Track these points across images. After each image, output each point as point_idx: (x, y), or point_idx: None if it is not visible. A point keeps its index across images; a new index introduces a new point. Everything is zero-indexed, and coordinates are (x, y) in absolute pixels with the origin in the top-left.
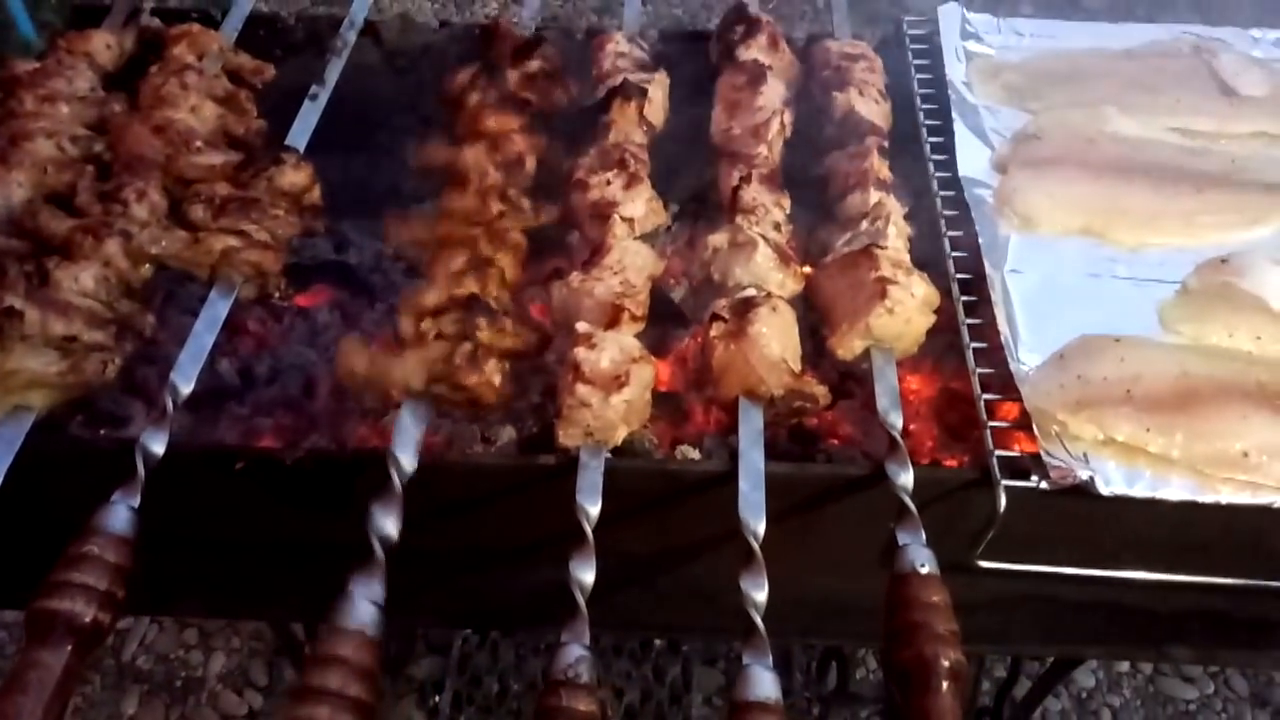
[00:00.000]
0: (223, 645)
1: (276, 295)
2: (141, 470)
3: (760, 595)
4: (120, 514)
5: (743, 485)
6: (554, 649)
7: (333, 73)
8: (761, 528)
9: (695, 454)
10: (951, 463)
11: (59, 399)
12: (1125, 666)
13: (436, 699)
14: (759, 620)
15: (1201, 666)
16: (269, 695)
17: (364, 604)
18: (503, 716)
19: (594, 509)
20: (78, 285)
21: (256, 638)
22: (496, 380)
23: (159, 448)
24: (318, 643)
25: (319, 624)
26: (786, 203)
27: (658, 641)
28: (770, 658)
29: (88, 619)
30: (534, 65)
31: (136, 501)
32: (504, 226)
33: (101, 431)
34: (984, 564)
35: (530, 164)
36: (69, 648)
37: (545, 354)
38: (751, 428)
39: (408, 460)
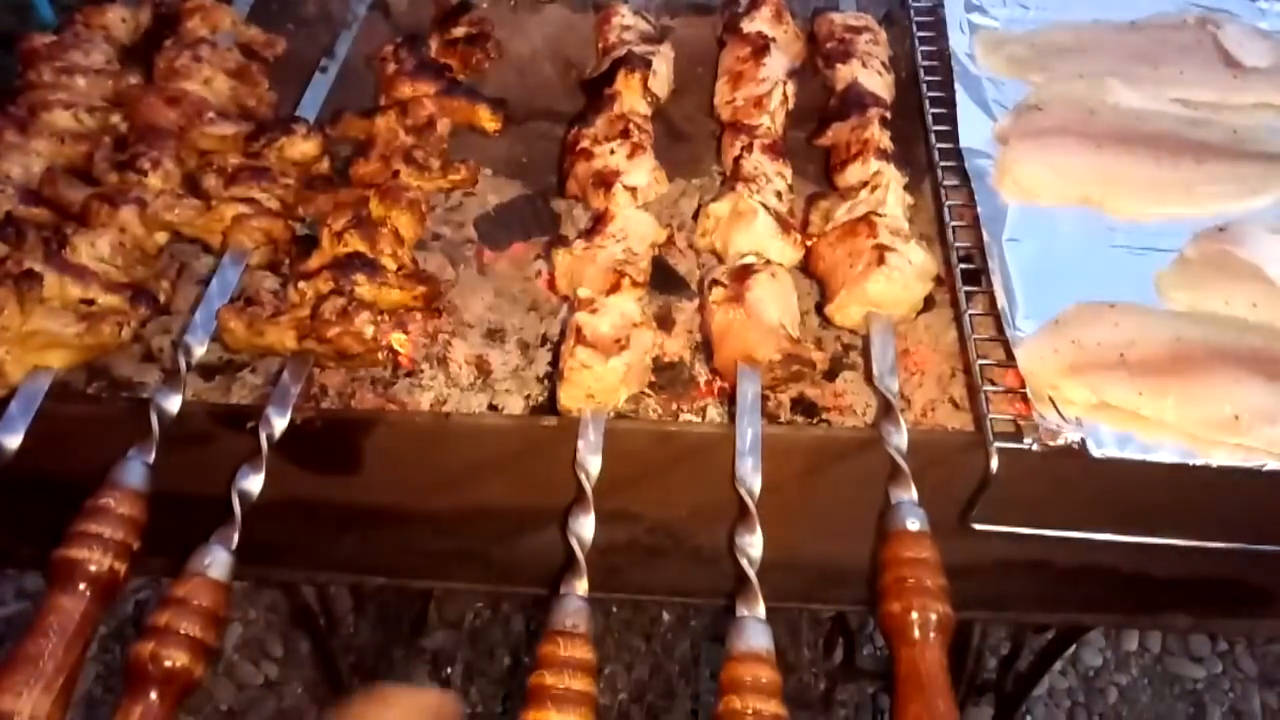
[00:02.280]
0: (239, 617)
1: (286, 262)
2: (156, 427)
3: (755, 551)
4: (135, 469)
5: (739, 445)
6: (552, 601)
7: (342, 46)
8: (757, 486)
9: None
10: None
11: (76, 360)
12: (1133, 645)
13: (449, 670)
14: (752, 574)
15: (1210, 646)
16: (285, 665)
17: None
18: (514, 689)
19: (594, 468)
20: (94, 251)
21: (272, 609)
22: (368, 332)
23: (173, 406)
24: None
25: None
26: (788, 172)
27: (667, 617)
28: (763, 610)
29: (105, 567)
30: (458, 31)
31: (151, 457)
32: (399, 185)
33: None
34: (978, 526)
35: (443, 127)
36: (87, 594)
37: (437, 302)
38: (748, 391)
39: (279, 419)
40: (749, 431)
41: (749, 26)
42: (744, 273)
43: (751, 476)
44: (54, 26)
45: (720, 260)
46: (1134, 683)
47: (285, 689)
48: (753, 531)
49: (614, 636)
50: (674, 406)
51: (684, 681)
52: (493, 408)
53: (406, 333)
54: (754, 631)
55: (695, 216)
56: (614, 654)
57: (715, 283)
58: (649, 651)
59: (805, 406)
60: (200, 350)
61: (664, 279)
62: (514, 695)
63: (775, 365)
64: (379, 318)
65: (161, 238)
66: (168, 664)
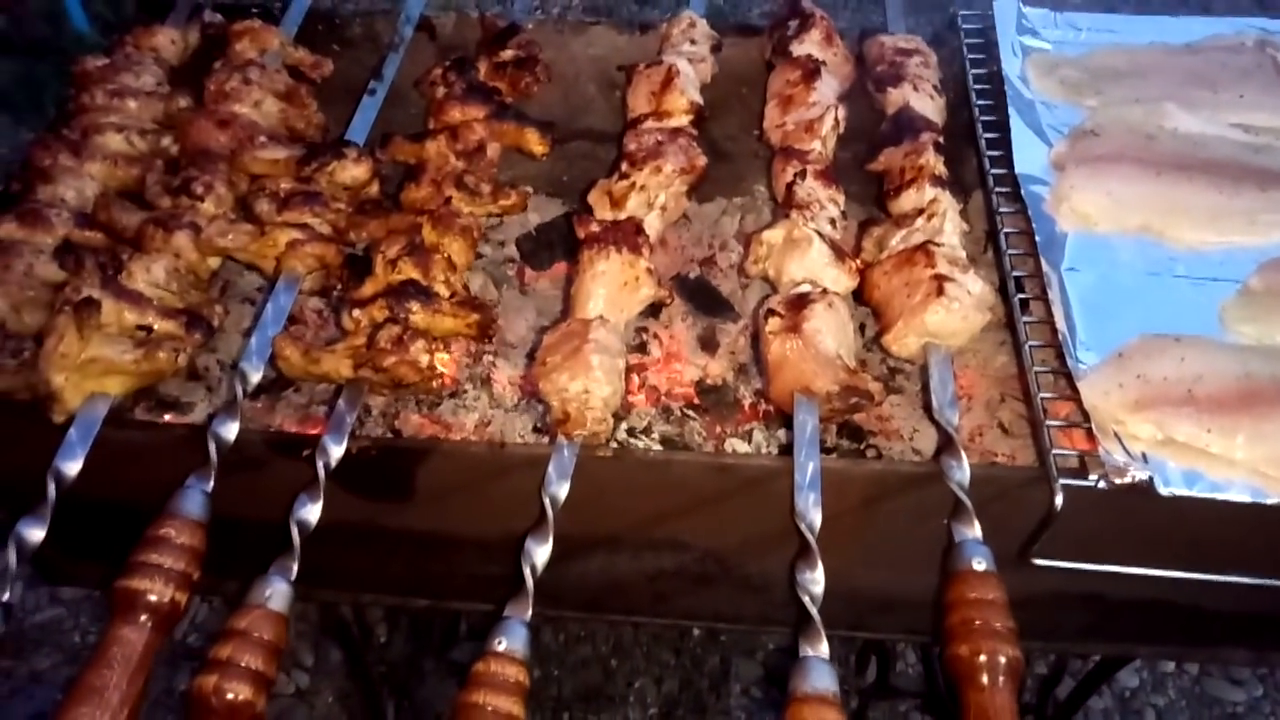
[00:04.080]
0: None
1: (338, 287)
2: (214, 456)
3: (817, 588)
4: (194, 498)
5: (798, 479)
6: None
7: (390, 68)
8: (818, 521)
9: (745, 447)
10: (1003, 458)
11: (133, 386)
12: (1171, 666)
13: None
14: (816, 613)
15: (1251, 669)
16: (316, 675)
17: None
18: (544, 701)
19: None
20: (150, 276)
21: (302, 619)
22: (423, 360)
23: (230, 434)
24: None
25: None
26: (841, 198)
27: (696, 631)
28: (827, 649)
29: (166, 598)
30: (507, 54)
31: (209, 486)
32: (451, 211)
33: (166, 417)
34: (1039, 562)
35: (493, 151)
36: (149, 625)
37: (490, 331)
38: (807, 423)
39: (335, 448)
40: (809, 465)
41: (799, 49)
42: (800, 302)
43: (812, 511)
44: (89, 35)
45: (774, 288)
46: (1171, 704)
47: (316, 699)
48: (814, 568)
49: (643, 650)
50: (719, 430)
51: (714, 696)
52: (538, 430)
53: (449, 351)
54: (819, 673)
55: (736, 236)
56: (643, 668)
57: (771, 312)
58: (678, 665)
59: (851, 430)
60: (256, 377)
61: (707, 300)
62: (542, 708)
63: (833, 397)
64: (434, 345)
65: (214, 262)
66: (230, 696)
